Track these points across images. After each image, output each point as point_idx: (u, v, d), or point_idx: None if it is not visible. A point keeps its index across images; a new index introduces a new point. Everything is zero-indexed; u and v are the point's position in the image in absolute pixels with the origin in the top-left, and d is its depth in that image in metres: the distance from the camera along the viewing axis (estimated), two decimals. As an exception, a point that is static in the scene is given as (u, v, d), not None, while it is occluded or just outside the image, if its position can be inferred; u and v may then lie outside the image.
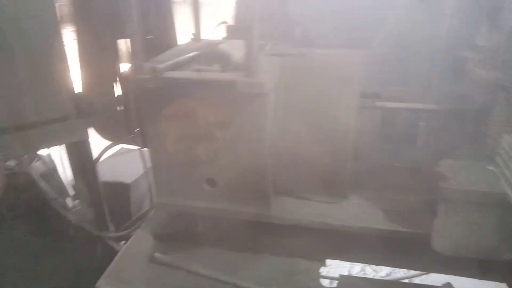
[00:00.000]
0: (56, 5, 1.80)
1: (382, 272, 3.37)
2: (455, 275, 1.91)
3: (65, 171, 2.25)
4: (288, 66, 1.72)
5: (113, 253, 2.10)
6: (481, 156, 1.59)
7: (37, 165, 2.37)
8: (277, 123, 1.66)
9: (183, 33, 2.17)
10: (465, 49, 1.64)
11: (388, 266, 2.99)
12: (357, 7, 2.09)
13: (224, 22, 2.19)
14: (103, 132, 2.00)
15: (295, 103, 1.67)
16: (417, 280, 2.95)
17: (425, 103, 1.66)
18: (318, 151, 1.68)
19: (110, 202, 2.29)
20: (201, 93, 1.58)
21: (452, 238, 1.52)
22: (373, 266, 3.41)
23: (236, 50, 1.72)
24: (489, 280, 1.85)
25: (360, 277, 3.01)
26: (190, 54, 1.81)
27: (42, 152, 2.26)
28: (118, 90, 1.86)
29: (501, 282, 1.80)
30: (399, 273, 3.25)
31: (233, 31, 2.13)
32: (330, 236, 1.74)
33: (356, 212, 1.74)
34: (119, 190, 2.40)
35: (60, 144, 2.05)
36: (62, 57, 1.83)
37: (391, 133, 1.77)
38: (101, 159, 2.52)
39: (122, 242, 2.30)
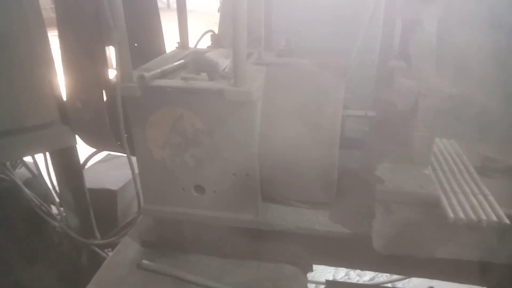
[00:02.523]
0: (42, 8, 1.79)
1: (365, 277, 3.41)
2: (437, 279, 1.95)
3: (50, 177, 2.22)
4: (274, 74, 1.75)
5: (99, 260, 2.09)
6: (414, 159, 1.68)
7: (21, 172, 2.35)
8: (264, 131, 1.69)
9: (172, 41, 2.18)
10: (394, 58, 1.75)
11: (371, 270, 3.04)
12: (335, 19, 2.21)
13: (210, 31, 2.21)
14: (89, 139, 1.99)
15: (282, 111, 1.70)
16: (399, 285, 3.01)
17: (366, 110, 1.75)
18: (305, 158, 1.71)
19: (96, 209, 2.28)
20: (189, 101, 1.60)
21: (389, 237, 1.60)
22: (357, 271, 3.45)
23: (223, 58, 1.74)
24: (471, 284, 1.89)
25: (346, 283, 3.04)
26: (178, 62, 1.83)
27: (27, 158, 2.23)
28: (104, 97, 1.85)
29: (482, 285, 1.85)
30: (382, 277, 3.30)
31: (219, 40, 2.16)
32: (316, 241, 1.77)
33: (342, 218, 1.77)
34: (106, 197, 2.39)
35: (46, 151, 2.03)
36: (48, 62, 1.82)
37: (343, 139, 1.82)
38: (87, 165, 2.51)
39: (109, 249, 2.29)
